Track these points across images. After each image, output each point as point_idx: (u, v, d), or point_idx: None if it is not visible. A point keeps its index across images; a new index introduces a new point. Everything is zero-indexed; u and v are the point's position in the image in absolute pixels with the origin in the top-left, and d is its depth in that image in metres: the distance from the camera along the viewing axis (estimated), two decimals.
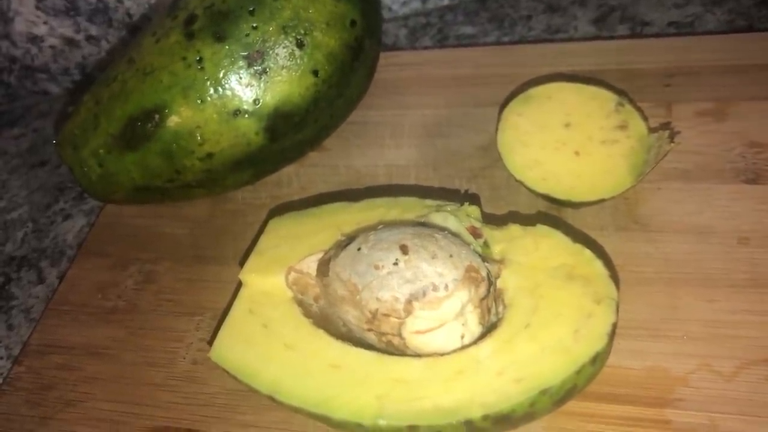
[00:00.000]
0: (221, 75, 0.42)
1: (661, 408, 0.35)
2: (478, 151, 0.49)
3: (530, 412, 0.31)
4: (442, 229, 0.37)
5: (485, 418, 0.31)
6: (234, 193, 0.51)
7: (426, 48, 0.61)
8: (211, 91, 0.43)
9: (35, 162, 0.62)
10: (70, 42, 0.64)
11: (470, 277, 0.34)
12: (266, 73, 0.43)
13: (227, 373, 0.36)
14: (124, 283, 0.48)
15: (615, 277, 0.36)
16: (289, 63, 0.43)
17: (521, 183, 0.43)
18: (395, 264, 0.34)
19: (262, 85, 0.43)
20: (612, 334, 0.32)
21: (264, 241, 0.41)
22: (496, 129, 0.44)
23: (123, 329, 0.45)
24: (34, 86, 0.68)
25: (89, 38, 0.64)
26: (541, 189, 0.42)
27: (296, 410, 0.34)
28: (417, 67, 0.56)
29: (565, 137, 0.43)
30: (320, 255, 0.39)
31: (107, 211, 0.53)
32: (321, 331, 0.36)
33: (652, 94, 0.49)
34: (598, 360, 0.32)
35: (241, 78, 0.43)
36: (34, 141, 0.64)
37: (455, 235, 0.37)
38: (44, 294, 0.51)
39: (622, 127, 0.43)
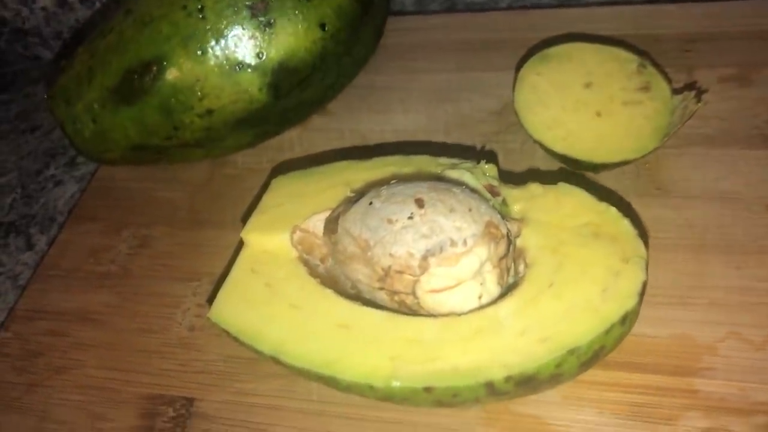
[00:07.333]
0: (223, 25, 0.40)
1: (689, 377, 0.33)
2: (490, 116, 0.47)
3: (556, 373, 0.29)
4: (459, 184, 0.35)
5: (508, 379, 0.29)
6: (233, 156, 0.48)
7: (435, 13, 0.59)
8: (213, 42, 0.40)
9: (26, 128, 0.60)
10: (62, 4, 0.62)
11: (490, 233, 0.32)
12: (271, 25, 0.40)
13: (227, 333, 0.34)
14: (118, 247, 0.45)
15: (643, 236, 0.34)
16: (295, 15, 0.41)
17: (539, 143, 0.40)
18: (410, 218, 0.32)
19: (266, 37, 0.40)
20: (642, 294, 0.30)
21: (267, 200, 0.38)
22: (513, 89, 0.42)
23: (116, 295, 0.43)
24: (25, 51, 0.65)
25: (83, 0, 0.62)
26: (561, 149, 0.40)
27: (301, 372, 0.31)
28: (426, 32, 0.54)
29: (586, 97, 0.41)
30: (327, 213, 0.36)
31: (100, 175, 0.51)
32: (329, 291, 0.33)
33: (672, 59, 0.47)
34: (628, 320, 0.30)
35: (244, 29, 0.40)
36: (24, 107, 0.62)
37: (473, 190, 0.35)
38: (33, 261, 0.49)
39: (645, 88, 0.41)
